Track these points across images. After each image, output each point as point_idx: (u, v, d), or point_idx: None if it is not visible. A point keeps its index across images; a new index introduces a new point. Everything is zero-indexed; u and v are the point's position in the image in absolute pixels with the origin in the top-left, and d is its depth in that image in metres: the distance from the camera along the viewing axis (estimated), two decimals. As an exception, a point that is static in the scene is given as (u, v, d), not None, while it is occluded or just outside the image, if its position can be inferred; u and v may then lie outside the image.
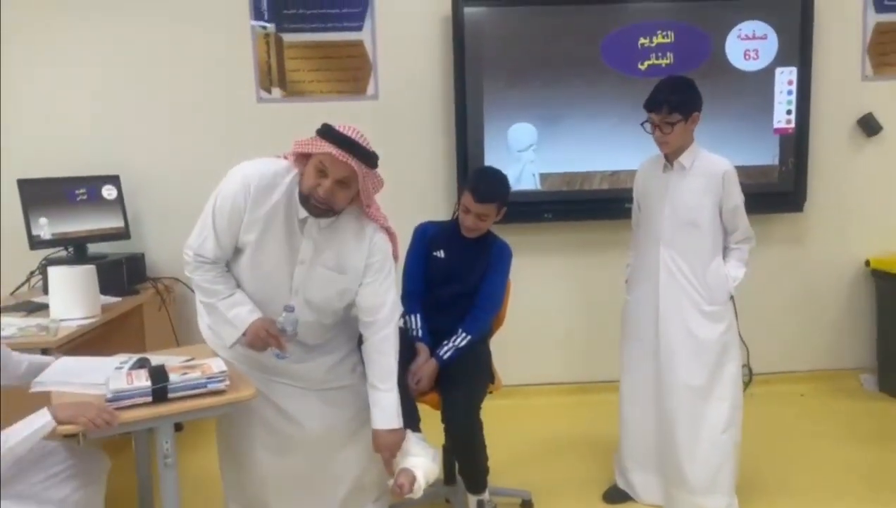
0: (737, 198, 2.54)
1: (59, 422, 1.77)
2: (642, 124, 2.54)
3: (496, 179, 2.60)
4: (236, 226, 2.14)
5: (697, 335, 2.56)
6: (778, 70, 3.73)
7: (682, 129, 2.48)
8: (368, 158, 2.08)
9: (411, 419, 2.44)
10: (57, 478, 1.99)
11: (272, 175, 2.15)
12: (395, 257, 2.33)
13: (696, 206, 2.54)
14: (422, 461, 2.29)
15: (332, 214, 2.15)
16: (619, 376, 2.80)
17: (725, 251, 2.61)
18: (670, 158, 2.57)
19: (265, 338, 2.13)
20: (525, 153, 3.75)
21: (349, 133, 2.05)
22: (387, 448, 2.21)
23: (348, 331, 2.43)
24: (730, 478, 2.61)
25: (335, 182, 2.05)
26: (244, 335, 2.15)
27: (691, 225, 2.55)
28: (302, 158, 2.14)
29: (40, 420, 1.78)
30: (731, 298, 2.60)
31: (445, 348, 2.54)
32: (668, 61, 3.68)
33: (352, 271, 2.23)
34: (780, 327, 4.04)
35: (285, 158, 2.20)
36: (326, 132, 2.05)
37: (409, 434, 2.36)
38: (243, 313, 2.17)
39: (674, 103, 2.45)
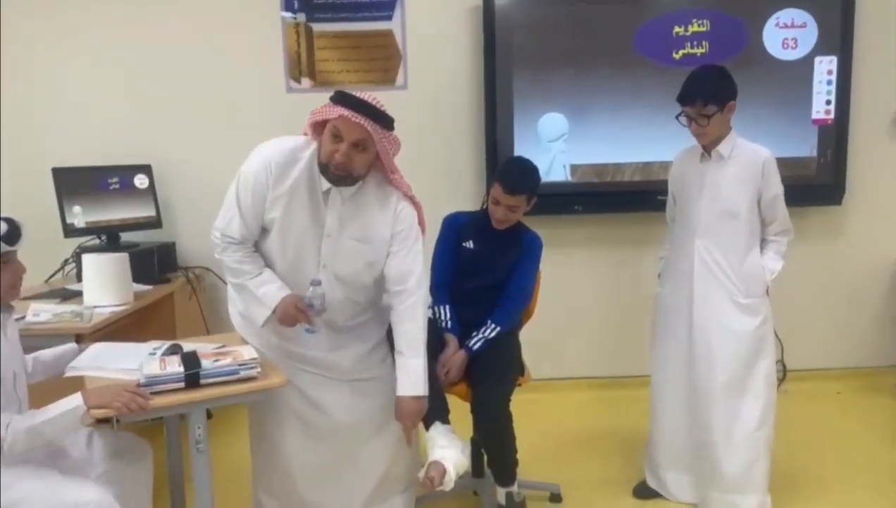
0: (777, 187, 2.48)
1: (92, 407, 1.78)
2: (677, 117, 2.48)
3: (526, 170, 2.57)
4: (260, 204, 2.16)
5: (732, 328, 2.50)
6: (817, 59, 3.64)
7: (719, 119, 2.42)
8: (383, 119, 2.08)
9: (440, 411, 2.42)
10: (101, 453, 2.03)
11: (291, 151, 2.17)
12: (422, 227, 2.32)
13: (735, 196, 2.48)
14: (451, 453, 2.27)
15: (352, 180, 2.14)
16: (651, 371, 2.76)
17: (763, 243, 2.55)
18: (708, 147, 2.51)
19: (294, 314, 2.14)
20: (555, 144, 3.70)
21: (355, 91, 2.08)
22: (409, 415, 2.19)
23: (380, 319, 2.42)
24: (763, 476, 2.56)
25: (351, 145, 2.05)
26: (274, 312, 2.16)
27: (729, 215, 2.49)
28: (318, 127, 2.16)
29: (71, 403, 1.79)
30: (767, 292, 2.55)
31: (475, 339, 2.52)
32: (703, 50, 3.60)
33: (378, 242, 2.23)
34: (815, 322, 3.96)
35: (304, 134, 2.22)
36: (340, 98, 2.07)
37: (439, 426, 2.34)
38: (272, 291, 2.18)
39: (708, 95, 2.39)
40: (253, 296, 2.20)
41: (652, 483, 2.78)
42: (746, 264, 2.51)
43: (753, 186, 2.47)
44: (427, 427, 2.38)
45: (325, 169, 2.11)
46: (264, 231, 2.22)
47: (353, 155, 2.06)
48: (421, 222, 2.31)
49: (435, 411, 2.39)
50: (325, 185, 2.16)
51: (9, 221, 1.85)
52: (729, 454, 2.52)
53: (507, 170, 2.60)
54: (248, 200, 2.15)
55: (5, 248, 1.83)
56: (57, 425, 1.78)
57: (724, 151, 2.49)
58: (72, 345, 2.19)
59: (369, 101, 2.06)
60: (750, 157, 2.47)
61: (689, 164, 2.61)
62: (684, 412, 2.63)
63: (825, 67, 3.64)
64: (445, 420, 2.39)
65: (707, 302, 2.53)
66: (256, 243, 2.24)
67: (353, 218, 2.21)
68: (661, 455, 2.72)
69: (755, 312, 2.52)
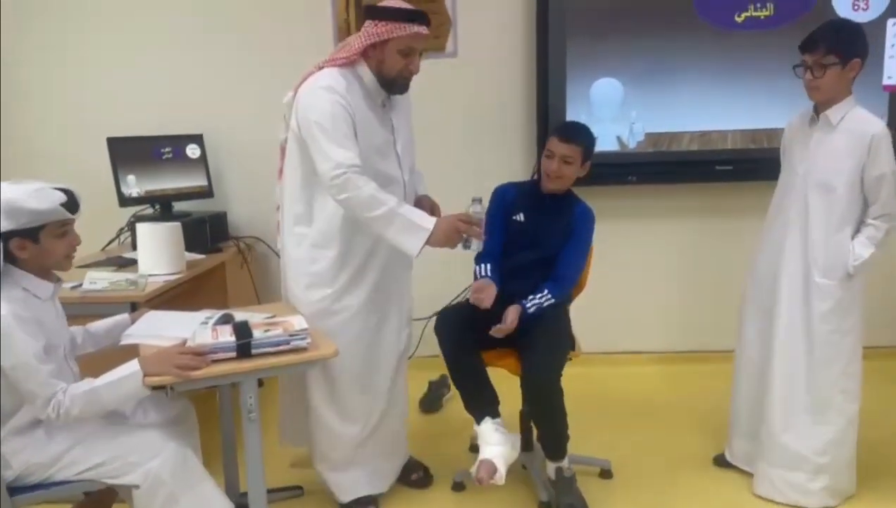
0: (884, 166, 2.26)
1: (148, 374, 1.80)
2: (794, 68, 2.32)
3: (581, 125, 2.59)
4: (353, 130, 2.23)
5: (805, 305, 2.39)
6: (890, 21, 3.42)
7: (838, 75, 2.24)
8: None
9: (490, 405, 2.43)
10: (151, 411, 2.09)
11: (343, 79, 2.26)
12: None
13: (834, 168, 2.30)
14: (501, 449, 2.31)
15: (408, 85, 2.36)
16: (737, 338, 2.68)
17: (861, 225, 2.35)
18: (819, 108, 2.34)
19: (464, 228, 2.16)
20: (609, 112, 3.59)
21: (405, 4, 2.27)
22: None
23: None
24: (838, 461, 2.45)
25: (418, 54, 2.29)
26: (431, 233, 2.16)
27: (825, 188, 2.32)
28: (371, 46, 2.25)
29: (128, 369, 1.82)
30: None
31: (532, 302, 2.44)
32: (767, 13, 3.43)
33: (410, 129, 2.50)
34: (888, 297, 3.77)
35: (320, 67, 2.31)
36: (398, 14, 2.23)
37: (489, 422, 2.36)
38: (423, 214, 2.21)
39: (832, 43, 2.22)
40: (405, 222, 2.15)
41: (727, 455, 2.73)
42: (832, 242, 2.34)
43: (857, 161, 2.28)
44: (478, 422, 2.41)
45: (391, 82, 2.29)
46: None
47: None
48: None
49: (484, 405, 2.42)
50: (380, 97, 2.33)
51: (67, 191, 1.86)
52: (789, 437, 2.44)
53: (562, 123, 2.67)
54: (346, 128, 2.19)
55: (65, 216, 1.85)
56: (115, 390, 1.81)
57: (832, 118, 2.30)
58: (123, 316, 2.22)
59: (416, 7, 2.27)
60: (859, 128, 2.27)
61: (799, 127, 2.45)
62: (761, 382, 2.53)
63: (899, 29, 3.44)
64: (495, 414, 2.41)
65: (790, 274, 2.41)
66: None
67: (399, 114, 2.42)
68: (736, 421, 2.66)
69: (828, 295, 2.36)
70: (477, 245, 2.21)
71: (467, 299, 2.60)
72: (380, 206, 2.14)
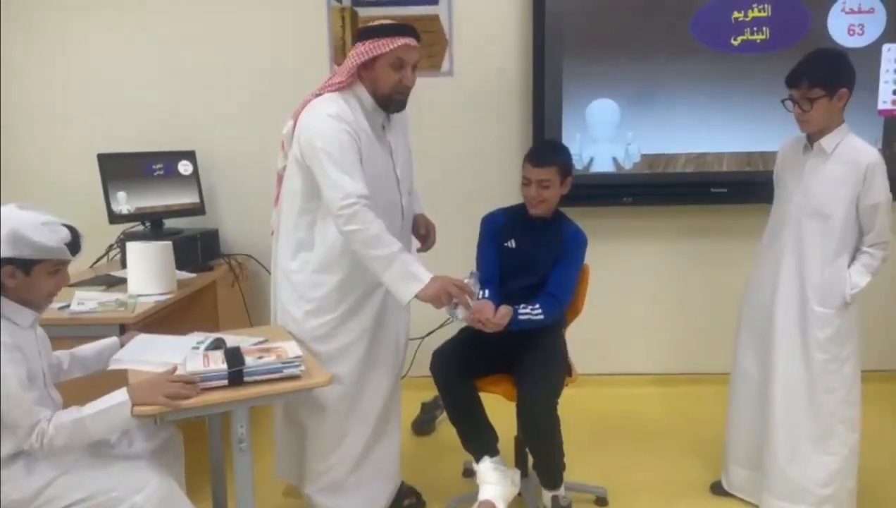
0: (879, 195, 2.27)
1: (137, 403, 1.75)
2: (783, 102, 2.32)
3: (552, 144, 2.61)
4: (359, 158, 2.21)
5: (802, 334, 2.37)
6: (885, 47, 3.44)
7: (826, 107, 2.24)
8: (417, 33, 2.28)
9: (488, 443, 2.41)
10: (137, 439, 2.03)
11: (343, 103, 2.23)
12: None
13: (829, 196, 2.30)
14: (499, 489, 2.30)
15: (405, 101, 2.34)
16: (732, 361, 2.66)
17: (856, 253, 2.34)
18: (812, 138, 2.34)
19: (456, 292, 2.16)
20: (605, 133, 3.58)
21: (391, 20, 2.27)
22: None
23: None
24: (840, 492, 2.43)
25: (412, 68, 2.26)
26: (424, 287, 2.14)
27: (821, 216, 2.31)
28: (362, 67, 2.24)
29: (117, 398, 1.77)
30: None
31: (523, 311, 2.38)
32: (763, 37, 3.44)
33: (408, 148, 2.49)
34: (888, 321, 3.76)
35: (318, 94, 2.28)
36: (384, 30, 2.22)
37: (488, 462, 2.35)
38: (422, 267, 2.18)
39: (816, 77, 2.22)
40: (404, 269, 2.14)
41: (724, 483, 2.70)
42: (829, 270, 2.33)
43: (852, 189, 2.27)
44: (476, 461, 2.39)
45: (387, 99, 2.26)
46: None
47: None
48: None
49: (482, 444, 2.40)
50: (380, 117, 2.31)
51: (72, 230, 1.81)
52: (790, 466, 2.42)
53: (533, 147, 2.63)
54: (353, 156, 2.17)
55: (65, 257, 1.80)
56: (102, 420, 1.75)
57: (826, 146, 2.30)
58: (113, 339, 2.17)
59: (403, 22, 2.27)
60: (853, 157, 2.27)
61: (792, 154, 2.44)
62: (756, 411, 2.53)
63: (893, 54, 3.45)
64: (494, 452, 2.40)
65: (787, 302, 2.39)
66: None
67: (396, 135, 2.41)
68: (733, 450, 2.64)
69: (826, 324, 2.35)
70: (463, 314, 2.22)
71: (460, 330, 2.56)
72: (383, 247, 2.12)
